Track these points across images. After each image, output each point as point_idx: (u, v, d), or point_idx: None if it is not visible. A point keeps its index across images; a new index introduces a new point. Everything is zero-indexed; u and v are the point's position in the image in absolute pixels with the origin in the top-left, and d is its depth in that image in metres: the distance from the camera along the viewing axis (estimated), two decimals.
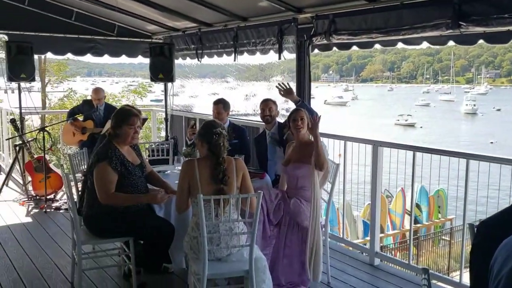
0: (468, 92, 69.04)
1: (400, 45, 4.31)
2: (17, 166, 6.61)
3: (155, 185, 3.72)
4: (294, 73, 5.20)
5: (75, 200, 3.58)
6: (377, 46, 4.52)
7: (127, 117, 3.49)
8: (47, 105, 22.19)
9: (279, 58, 5.13)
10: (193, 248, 3.00)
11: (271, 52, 5.37)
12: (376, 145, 4.18)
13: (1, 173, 7.76)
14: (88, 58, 7.46)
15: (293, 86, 4.88)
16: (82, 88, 24.97)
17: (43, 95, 22.73)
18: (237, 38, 5.71)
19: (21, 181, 6.71)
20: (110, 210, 3.40)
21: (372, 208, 4.30)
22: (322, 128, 3.81)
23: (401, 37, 4.08)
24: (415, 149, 3.98)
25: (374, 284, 3.87)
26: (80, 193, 3.80)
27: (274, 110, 4.62)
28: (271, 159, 4.51)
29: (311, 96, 5.11)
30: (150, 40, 7.50)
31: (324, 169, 3.61)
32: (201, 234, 2.77)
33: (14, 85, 6.60)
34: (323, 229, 3.77)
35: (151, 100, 28.40)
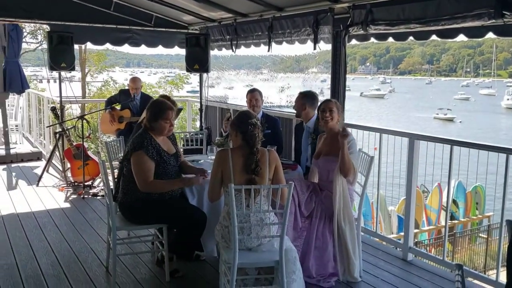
0: (510, 86, 66.52)
1: (434, 37, 4.18)
2: (57, 153, 6.82)
3: (187, 173, 3.76)
4: (330, 64, 5.12)
5: (111, 187, 3.66)
6: (412, 39, 4.40)
7: (162, 111, 3.53)
8: (87, 94, 22.82)
9: (314, 49, 5.07)
10: (224, 237, 3.02)
11: (307, 42, 5.32)
12: (413, 138, 4.08)
13: (43, 159, 8.04)
14: (126, 48, 7.65)
15: (328, 77, 4.82)
16: (121, 79, 25.50)
17: (83, 84, 23.37)
18: (272, 29, 5.67)
19: (60, 168, 6.93)
20: (144, 197, 3.47)
21: (407, 203, 4.21)
22: (357, 120, 3.76)
23: (440, 27, 3.94)
24: (452, 143, 3.87)
25: (407, 279, 3.80)
26: (116, 180, 3.88)
27: None
28: (305, 152, 4.48)
29: (347, 88, 5.03)
30: (186, 30, 7.55)
31: (349, 177, 3.55)
32: (232, 223, 2.78)
33: (56, 74, 6.80)
34: (356, 223, 3.72)
35: (187, 91, 28.75)
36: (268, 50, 5.80)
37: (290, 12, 5.40)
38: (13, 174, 7.04)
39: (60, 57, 6.38)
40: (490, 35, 3.72)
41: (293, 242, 3.43)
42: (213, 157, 4.09)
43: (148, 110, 3.60)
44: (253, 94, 4.96)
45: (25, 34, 25.68)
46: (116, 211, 3.62)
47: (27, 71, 30.93)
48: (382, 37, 4.61)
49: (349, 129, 3.85)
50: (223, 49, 7.15)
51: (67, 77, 7.01)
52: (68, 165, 6.46)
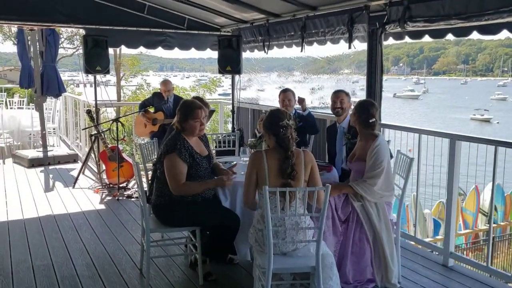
0: None
1: (475, 35, 4.00)
2: (92, 155, 6.92)
3: (219, 175, 3.72)
4: (363, 65, 5.00)
5: (144, 189, 3.65)
6: (450, 37, 4.23)
7: (191, 111, 3.50)
8: (121, 98, 23.23)
9: (349, 48, 4.95)
10: (258, 241, 2.95)
11: (341, 42, 5.21)
12: (454, 139, 3.91)
13: (79, 161, 8.18)
14: (160, 53, 7.70)
15: (362, 78, 4.69)
16: (155, 82, 25.90)
17: (118, 88, 23.82)
18: (305, 28, 5.58)
19: (96, 170, 7.03)
20: (178, 199, 3.44)
21: (448, 206, 4.04)
22: (393, 120, 3.65)
23: (482, 22, 3.77)
24: (497, 143, 3.69)
25: (448, 286, 3.64)
26: (150, 182, 3.87)
27: (346, 102, 4.41)
28: (340, 154, 4.36)
29: (383, 90, 4.88)
30: (218, 33, 7.54)
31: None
32: (266, 227, 2.71)
33: (91, 79, 6.90)
34: (394, 227, 3.59)
35: (219, 94, 28.94)
36: (301, 51, 5.72)
37: (324, 11, 5.30)
38: (50, 176, 7.18)
39: (95, 61, 6.46)
40: None
41: (330, 247, 3.33)
42: (246, 159, 4.08)
43: (178, 111, 3.58)
44: (286, 94, 4.88)
45: (62, 39, 26.49)
46: (149, 213, 3.61)
47: (65, 76, 31.79)
48: (417, 35, 4.47)
49: (379, 133, 3.72)
50: (255, 50, 7.09)
51: (103, 82, 7.11)
52: (103, 167, 6.54)
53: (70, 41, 25.87)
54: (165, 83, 6.51)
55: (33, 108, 9.46)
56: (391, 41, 4.91)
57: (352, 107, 4.07)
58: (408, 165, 3.57)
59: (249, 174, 3.01)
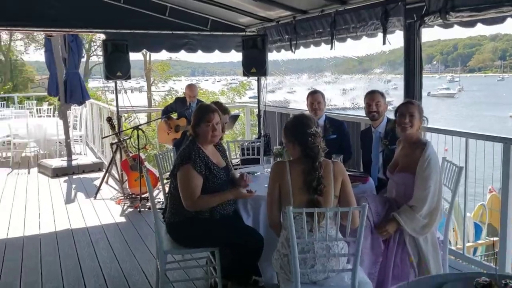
0: None
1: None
2: (116, 164, 6.68)
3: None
4: (395, 63, 4.52)
5: (157, 203, 3.31)
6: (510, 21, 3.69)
7: (203, 114, 3.15)
8: (152, 103, 23.26)
9: (384, 43, 4.49)
10: (283, 268, 2.54)
11: (374, 37, 4.75)
12: (508, 143, 3.41)
13: (104, 170, 7.96)
14: (191, 57, 7.41)
15: (395, 77, 4.22)
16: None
17: (149, 94, 23.89)
18: (334, 24, 5.15)
19: (118, 178, 6.78)
20: (194, 217, 3.08)
21: (503, 220, 3.53)
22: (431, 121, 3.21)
23: None
24: None
25: None
26: (166, 197, 3.54)
27: (382, 104, 3.93)
28: (376, 162, 3.89)
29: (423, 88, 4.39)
30: (243, 33, 7.19)
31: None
32: (291, 253, 2.31)
33: (125, 85, 6.65)
34: (441, 245, 3.12)
35: (250, 97, 28.69)
36: (331, 48, 5.28)
37: (355, 4, 4.86)
38: (73, 186, 6.98)
39: (115, 66, 6.21)
40: None
41: (368, 269, 2.90)
42: (267, 169, 3.67)
43: (193, 115, 3.23)
44: (315, 97, 4.45)
45: (95, 47, 26.81)
46: (164, 233, 3.26)
47: (100, 83, 32.23)
48: (467, 23, 3.94)
49: (427, 140, 3.24)
50: (282, 50, 6.69)
51: (135, 88, 6.86)
52: (125, 176, 6.28)
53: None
54: (191, 87, 6.20)
55: (58, 116, 9.38)
56: (431, 33, 4.44)
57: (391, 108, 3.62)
58: (457, 174, 3.09)
59: (271, 189, 2.61)
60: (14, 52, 27.88)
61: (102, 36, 6.57)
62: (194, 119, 3.17)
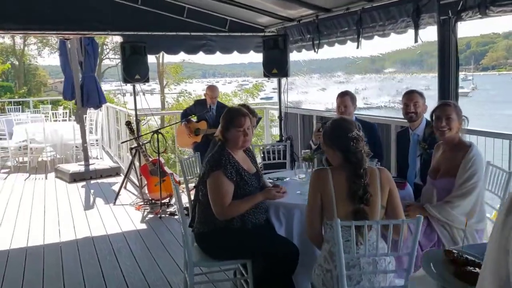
0: None
1: None
2: (135, 169, 6.56)
3: None
4: (406, 63, 4.31)
5: (185, 212, 3.15)
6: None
7: (234, 118, 2.98)
8: (165, 106, 23.20)
9: (415, 41, 4.29)
10: (326, 284, 2.36)
11: (403, 35, 4.55)
12: None
13: (121, 174, 7.85)
14: (201, 59, 7.26)
15: (407, 77, 3.98)
16: (199, 89, 25.81)
17: (162, 96, 23.82)
18: (361, 22, 4.96)
19: (137, 183, 6.65)
20: (225, 227, 2.91)
21: None
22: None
23: None
24: None
25: None
26: (192, 205, 3.38)
27: (420, 105, 3.71)
28: (413, 166, 3.68)
29: (425, 87, 4.17)
30: (262, 34, 7.02)
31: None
32: (338, 269, 2.13)
33: (138, 87, 6.52)
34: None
35: (261, 98, 28.56)
36: (357, 47, 5.09)
37: (383, 1, 4.66)
38: (91, 191, 6.87)
39: (133, 69, 6.09)
40: None
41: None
42: (302, 175, 3.50)
43: (221, 119, 3.06)
44: (343, 99, 4.25)
45: (107, 50, 26.87)
46: (192, 243, 3.09)
47: (112, 86, 32.29)
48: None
49: (472, 142, 3.05)
50: (303, 50, 6.51)
51: (147, 90, 6.74)
52: (145, 181, 6.14)
53: (115, 51, 26.21)
54: (212, 88, 6.04)
55: (74, 120, 9.28)
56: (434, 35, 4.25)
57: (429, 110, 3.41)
58: (506, 181, 2.88)
59: (312, 199, 2.43)
60: (27, 56, 28.06)
61: (116, 39, 6.48)
62: (223, 124, 3.01)
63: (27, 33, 6.29)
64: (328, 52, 5.87)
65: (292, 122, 6.78)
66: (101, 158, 9.29)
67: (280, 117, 6.35)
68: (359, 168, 2.34)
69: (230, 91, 25.60)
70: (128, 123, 6.04)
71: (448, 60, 4.02)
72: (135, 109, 6.46)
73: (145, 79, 6.22)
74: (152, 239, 4.81)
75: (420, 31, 4.54)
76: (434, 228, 2.87)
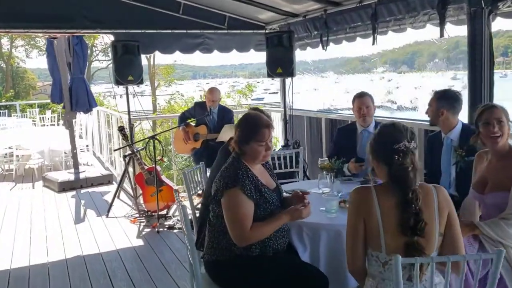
0: None
1: None
2: (128, 177, 6.10)
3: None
4: (397, 63, 3.91)
5: (176, 222, 2.69)
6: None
7: (256, 131, 2.51)
8: (157, 108, 22.66)
9: (441, 36, 3.86)
10: None
11: (425, 28, 4.13)
12: None
13: (114, 182, 7.38)
14: (193, 61, 6.88)
15: (397, 76, 3.58)
16: (191, 91, 25.37)
17: (153, 98, 23.27)
18: (376, 16, 4.53)
19: (131, 193, 6.18)
20: (242, 255, 2.46)
21: None
22: None
23: None
24: None
25: None
26: (198, 225, 2.93)
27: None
28: (447, 175, 3.25)
29: (417, 86, 3.78)
30: (263, 31, 6.59)
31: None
32: None
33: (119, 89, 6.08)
34: None
35: (252, 99, 28.09)
36: (373, 43, 4.66)
37: None
38: (82, 202, 6.37)
39: (126, 70, 5.64)
40: None
41: None
42: (327, 189, 3.06)
43: (238, 128, 2.59)
44: (364, 100, 3.83)
45: (97, 52, 26.30)
46: (199, 270, 2.63)
47: (101, 88, 31.65)
48: None
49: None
50: (308, 48, 6.10)
51: (137, 92, 6.29)
52: (140, 191, 5.68)
53: (105, 53, 25.66)
54: (211, 91, 5.60)
55: (63, 125, 8.79)
56: (424, 35, 3.94)
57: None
58: None
59: (353, 225, 1.99)
60: (15, 59, 27.40)
61: (109, 38, 5.99)
62: (242, 135, 2.54)
63: (9, 31, 5.77)
64: (319, 53, 5.53)
65: (298, 126, 6.35)
66: (91, 165, 8.79)
67: (285, 120, 5.90)
68: (407, 190, 1.90)
69: (223, 93, 25.06)
70: (121, 129, 5.56)
71: (480, 56, 3.59)
72: (128, 113, 5.99)
73: (138, 80, 5.77)
74: (150, 258, 4.34)
75: (420, 30, 4.28)
76: (486, 250, 2.45)
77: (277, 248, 2.53)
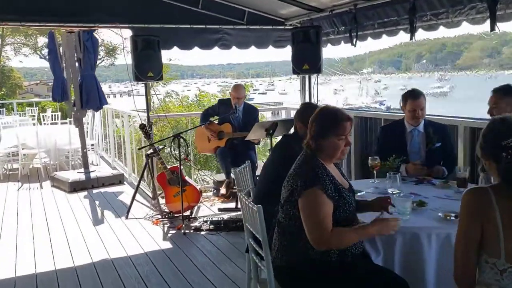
0: None
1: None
2: (145, 177, 5.89)
3: (363, 211, 2.57)
4: (383, 64, 3.79)
5: (203, 223, 2.51)
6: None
7: (335, 124, 2.35)
8: (151, 107, 22.34)
9: (492, 30, 3.70)
10: None
11: (478, 22, 3.98)
12: None
13: (125, 182, 7.15)
14: (181, 60, 6.59)
15: (384, 77, 3.47)
16: (179, 90, 25.30)
17: (149, 97, 22.93)
18: (415, 10, 4.39)
19: (149, 194, 5.98)
20: (319, 260, 2.29)
21: None
22: None
23: None
24: None
25: None
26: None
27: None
28: None
29: (402, 87, 3.69)
30: (282, 27, 6.43)
31: None
32: None
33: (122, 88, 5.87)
34: None
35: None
36: (411, 38, 4.52)
37: None
38: (97, 203, 6.14)
39: (146, 66, 5.46)
40: None
41: None
42: (396, 191, 2.89)
43: (313, 123, 2.42)
44: (418, 102, 3.65)
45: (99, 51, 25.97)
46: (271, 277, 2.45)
47: (104, 87, 31.14)
48: None
49: None
50: (328, 44, 5.95)
51: (124, 92, 6.07)
52: (160, 192, 5.48)
53: (108, 52, 25.32)
54: (237, 88, 5.42)
55: (70, 123, 8.53)
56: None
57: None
58: None
59: (467, 229, 1.82)
60: (2, 58, 26.83)
61: (127, 33, 5.78)
62: (319, 129, 2.37)
63: (25, 25, 5.52)
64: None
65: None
66: (97, 165, 8.54)
67: None
68: None
69: (217, 91, 24.79)
70: (143, 126, 5.35)
71: None
72: (147, 111, 5.82)
73: (158, 76, 5.60)
74: (183, 260, 4.15)
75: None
76: None
77: (355, 253, 2.36)
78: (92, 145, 8.96)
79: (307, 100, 6.33)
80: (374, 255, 2.51)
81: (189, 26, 5.90)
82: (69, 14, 5.41)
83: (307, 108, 3.16)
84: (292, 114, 6.81)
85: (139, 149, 5.72)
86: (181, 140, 4.92)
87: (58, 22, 5.56)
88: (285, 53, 6.14)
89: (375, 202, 2.54)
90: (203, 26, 5.99)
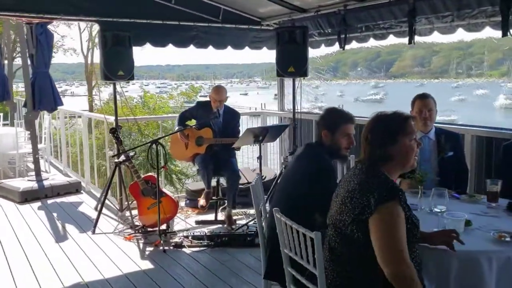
0: (503, 86, 65.31)
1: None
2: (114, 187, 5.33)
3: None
4: (321, 71, 3.68)
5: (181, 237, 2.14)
6: None
7: (399, 123, 2.05)
8: (93, 109, 21.21)
9: (504, 35, 3.59)
10: None
11: (482, 27, 3.85)
12: None
13: (83, 192, 6.50)
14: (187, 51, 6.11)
15: (321, 83, 3.35)
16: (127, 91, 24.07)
17: (89, 98, 21.81)
18: (414, 13, 4.20)
19: (115, 205, 5.43)
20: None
21: None
22: None
23: None
24: None
25: None
26: (267, 249, 2.38)
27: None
28: None
29: (339, 93, 3.60)
30: (259, 27, 6.10)
31: None
32: None
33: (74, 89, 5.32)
34: None
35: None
36: (410, 42, 4.33)
37: None
38: (55, 215, 5.47)
39: (116, 64, 4.96)
40: None
41: None
42: (444, 208, 2.58)
43: (369, 133, 2.08)
44: (426, 102, 3.46)
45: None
46: None
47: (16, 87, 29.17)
48: None
49: None
50: (314, 46, 5.70)
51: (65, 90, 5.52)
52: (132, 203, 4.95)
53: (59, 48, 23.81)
54: (218, 90, 4.98)
55: (13, 125, 7.71)
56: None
57: None
58: None
59: None
60: None
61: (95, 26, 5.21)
62: (383, 135, 2.02)
63: None
64: (250, 56, 5.18)
65: (306, 130, 5.91)
66: (48, 172, 7.76)
67: (294, 124, 5.41)
68: None
69: (155, 92, 23.86)
70: (114, 131, 4.80)
71: None
72: (116, 114, 5.27)
73: (129, 76, 5.09)
74: (170, 283, 3.68)
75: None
76: None
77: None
78: (40, 149, 8.14)
79: (286, 106, 6.05)
80: (427, 284, 2.20)
81: (161, 22, 5.44)
82: (28, 2, 4.79)
83: (332, 113, 2.84)
84: (257, 120, 6.51)
85: (112, 156, 5.14)
86: (159, 147, 4.45)
87: (13, 12, 4.91)
88: (225, 56, 5.87)
89: (436, 235, 2.22)
90: (177, 23, 5.55)
